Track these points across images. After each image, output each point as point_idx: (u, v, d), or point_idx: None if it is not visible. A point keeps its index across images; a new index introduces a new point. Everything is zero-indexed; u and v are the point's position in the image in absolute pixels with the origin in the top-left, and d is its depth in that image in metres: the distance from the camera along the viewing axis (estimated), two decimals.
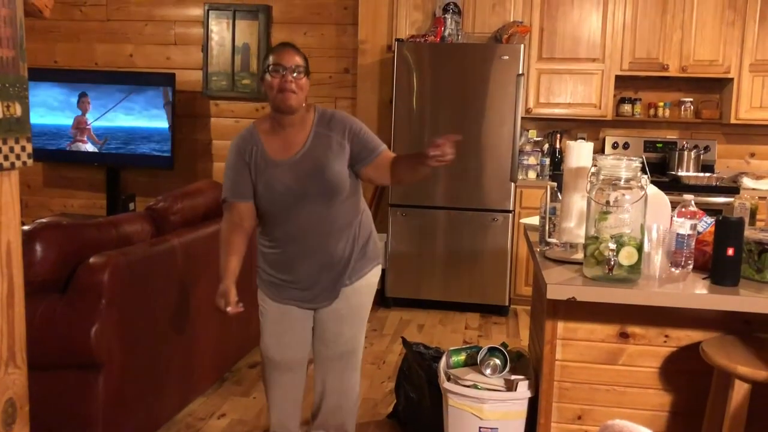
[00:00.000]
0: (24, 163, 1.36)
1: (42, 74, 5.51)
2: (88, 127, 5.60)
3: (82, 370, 2.44)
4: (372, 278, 2.45)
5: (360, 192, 2.44)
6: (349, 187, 2.34)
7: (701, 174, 4.84)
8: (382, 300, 4.91)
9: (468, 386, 2.45)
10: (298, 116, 2.30)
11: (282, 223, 2.32)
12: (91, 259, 2.48)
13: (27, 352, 1.36)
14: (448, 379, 2.51)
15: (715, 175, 4.82)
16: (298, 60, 2.25)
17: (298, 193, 2.27)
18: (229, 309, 2.26)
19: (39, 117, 5.57)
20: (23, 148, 1.36)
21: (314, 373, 2.51)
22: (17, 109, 1.34)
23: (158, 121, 5.48)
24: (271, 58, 2.25)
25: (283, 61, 2.23)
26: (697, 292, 2.06)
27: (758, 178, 4.79)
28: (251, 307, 3.59)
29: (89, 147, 5.62)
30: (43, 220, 2.60)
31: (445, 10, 4.79)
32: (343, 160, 2.30)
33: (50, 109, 5.61)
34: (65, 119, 5.63)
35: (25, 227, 2.47)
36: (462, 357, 2.64)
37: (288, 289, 2.39)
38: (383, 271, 4.89)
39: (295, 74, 2.23)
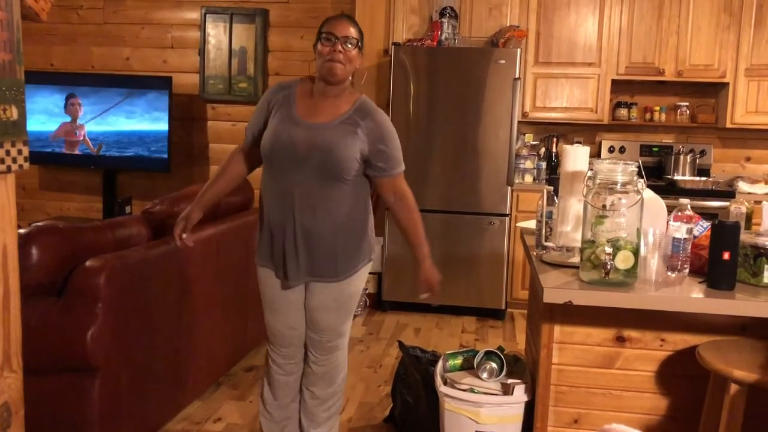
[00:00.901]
0: (20, 166, 1.36)
1: (38, 77, 5.51)
2: (78, 137, 5.59)
3: (77, 374, 2.43)
4: (363, 274, 2.48)
5: (365, 191, 2.41)
6: (353, 180, 2.32)
7: (697, 178, 4.85)
8: (379, 303, 4.91)
9: (464, 390, 2.45)
10: (339, 89, 2.32)
11: (275, 178, 2.33)
12: (88, 263, 2.47)
13: (22, 356, 1.35)
14: (445, 383, 2.51)
15: (711, 179, 4.84)
16: (351, 31, 2.27)
17: (298, 156, 2.26)
18: (178, 235, 2.37)
19: (40, 124, 5.56)
20: (20, 152, 1.36)
21: (304, 361, 2.55)
22: (14, 113, 1.34)
23: (155, 124, 5.47)
24: (325, 27, 2.28)
25: (335, 30, 2.24)
26: (694, 296, 2.06)
27: (754, 182, 4.81)
28: (246, 311, 3.59)
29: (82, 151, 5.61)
30: (40, 223, 2.59)
31: (442, 14, 4.80)
32: (356, 152, 2.27)
33: (51, 115, 5.60)
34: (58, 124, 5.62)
35: (21, 230, 2.46)
36: (459, 361, 2.65)
37: (271, 255, 2.39)
38: (379, 275, 4.89)
39: (346, 45, 2.24)
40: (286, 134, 2.27)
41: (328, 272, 2.37)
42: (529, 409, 2.40)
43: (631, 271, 2.07)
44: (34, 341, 2.29)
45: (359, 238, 2.42)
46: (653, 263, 2.16)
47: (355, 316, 4.65)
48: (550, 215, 2.46)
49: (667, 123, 5.09)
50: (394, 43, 4.79)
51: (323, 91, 2.32)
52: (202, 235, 3.14)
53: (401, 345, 3.04)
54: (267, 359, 2.58)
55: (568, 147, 2.37)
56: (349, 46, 2.25)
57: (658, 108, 5.07)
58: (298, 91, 2.36)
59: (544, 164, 5.04)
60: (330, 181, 2.28)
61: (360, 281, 2.48)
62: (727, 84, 4.82)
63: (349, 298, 2.46)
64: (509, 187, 4.66)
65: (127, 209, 5.54)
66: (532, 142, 5.11)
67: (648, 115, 5.10)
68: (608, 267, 2.03)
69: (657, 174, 4.99)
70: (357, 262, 2.42)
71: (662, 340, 2.28)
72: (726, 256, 2.05)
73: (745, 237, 2.16)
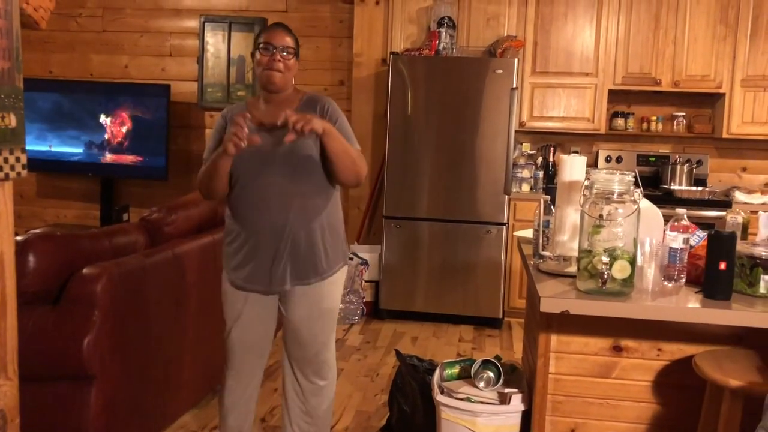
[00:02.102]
0: (18, 174, 1.36)
1: (37, 85, 5.51)
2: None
3: (74, 381, 2.42)
4: (340, 276, 2.49)
5: (334, 190, 2.44)
6: (321, 173, 2.35)
7: (694, 188, 4.86)
8: (376, 312, 4.90)
9: (461, 399, 2.44)
10: (284, 96, 2.39)
11: (245, 188, 2.34)
12: (84, 270, 2.47)
13: (18, 364, 1.35)
14: (442, 392, 2.50)
15: (707, 189, 4.85)
16: (287, 41, 2.34)
17: (265, 157, 2.31)
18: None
19: (38, 131, 5.56)
20: (18, 159, 1.36)
21: (285, 379, 2.54)
22: (12, 120, 1.34)
23: (153, 132, 5.48)
24: (262, 37, 2.35)
25: (272, 40, 2.32)
26: (690, 306, 2.06)
27: (750, 192, 4.83)
28: None
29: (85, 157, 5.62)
30: (37, 230, 2.59)
31: (440, 24, 4.82)
32: (316, 141, 2.30)
33: (49, 122, 5.61)
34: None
35: (18, 238, 2.46)
36: (456, 370, 2.64)
37: (247, 266, 2.37)
38: (377, 283, 4.89)
39: (283, 54, 2.31)
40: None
41: (310, 272, 2.38)
42: (526, 418, 2.40)
43: (628, 281, 2.07)
44: (30, 349, 2.28)
45: (336, 236, 2.46)
46: (650, 273, 2.16)
47: (352, 325, 4.67)
48: (547, 224, 2.46)
49: (663, 133, 5.11)
50: (393, 53, 4.81)
51: (269, 99, 2.40)
52: (199, 243, 3.14)
53: (398, 354, 3.04)
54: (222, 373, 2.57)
55: (565, 156, 2.38)
56: (287, 54, 2.33)
57: (654, 118, 5.09)
58: (249, 105, 2.45)
59: (541, 173, 5.06)
60: (300, 176, 2.33)
61: (338, 286, 2.49)
62: (724, 94, 4.84)
63: (329, 308, 2.47)
64: (507, 196, 4.67)
65: (125, 217, 5.54)
66: (529, 152, 5.12)
67: (645, 125, 5.12)
68: (605, 276, 2.03)
69: (654, 184, 5.00)
70: (336, 262, 2.45)
71: (659, 349, 2.28)
72: (722, 266, 2.05)
73: (741, 247, 2.16)
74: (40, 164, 5.61)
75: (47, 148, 5.64)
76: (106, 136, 5.57)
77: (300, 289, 2.40)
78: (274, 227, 2.33)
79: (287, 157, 2.32)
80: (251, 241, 2.36)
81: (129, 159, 5.54)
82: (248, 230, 2.36)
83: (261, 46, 2.32)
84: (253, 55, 2.37)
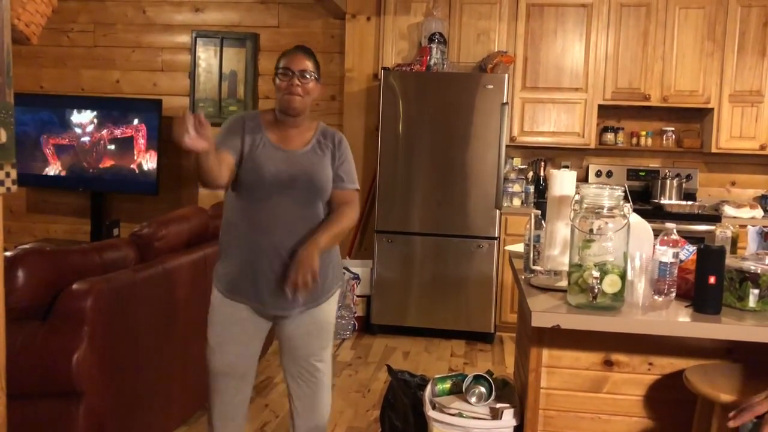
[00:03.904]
0: (8, 189, 1.36)
1: (28, 100, 5.50)
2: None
3: (62, 398, 2.40)
4: (335, 300, 2.50)
5: None
6: (323, 203, 2.40)
7: (683, 202, 4.90)
8: (367, 327, 4.89)
9: (453, 414, 2.43)
10: (301, 120, 2.38)
11: (257, 209, 2.31)
12: (74, 286, 2.45)
13: (7, 380, 1.34)
14: (434, 408, 2.49)
15: (697, 203, 4.88)
16: (307, 64, 2.33)
17: (284, 182, 2.30)
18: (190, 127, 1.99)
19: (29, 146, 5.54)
20: (8, 174, 1.36)
21: (289, 394, 2.52)
22: (2, 135, 1.34)
23: (144, 147, 5.47)
24: (282, 62, 2.33)
25: (291, 65, 2.31)
26: (680, 320, 2.07)
27: (739, 206, 4.86)
28: None
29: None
30: (26, 245, 2.58)
31: (431, 40, 4.85)
32: (330, 171, 2.39)
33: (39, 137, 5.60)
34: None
35: (8, 253, 2.44)
36: (447, 385, 2.63)
37: (245, 286, 2.34)
38: (368, 298, 4.88)
39: (303, 78, 2.30)
40: (271, 162, 2.30)
41: (311, 297, 2.36)
42: None
43: (618, 295, 2.07)
44: (18, 365, 2.26)
45: (337, 260, 2.50)
46: (640, 287, 2.17)
47: (343, 340, 4.65)
48: (537, 239, 2.47)
49: (653, 148, 5.15)
50: (384, 68, 4.83)
51: (286, 122, 2.38)
52: (189, 258, 3.13)
53: (390, 369, 3.02)
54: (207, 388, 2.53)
55: (555, 171, 2.39)
56: (306, 78, 2.32)
57: (644, 133, 5.13)
58: (263, 121, 2.39)
59: (532, 188, 5.08)
60: (310, 203, 2.34)
61: (334, 306, 2.51)
62: (712, 109, 4.89)
63: (327, 322, 2.47)
64: (498, 211, 4.68)
65: (115, 232, 5.52)
66: (520, 166, 5.15)
67: (634, 140, 5.16)
68: (595, 291, 2.04)
69: (644, 198, 5.03)
70: (334, 283, 2.47)
71: (650, 364, 2.28)
72: (712, 280, 2.06)
73: (730, 261, 2.17)
74: (30, 179, 5.58)
75: None
76: (97, 151, 5.56)
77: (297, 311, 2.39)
78: (279, 251, 2.30)
79: (305, 185, 2.32)
80: (248, 259, 2.33)
81: (119, 174, 5.52)
82: (250, 249, 2.32)
83: (280, 71, 2.31)
84: (274, 80, 2.35)
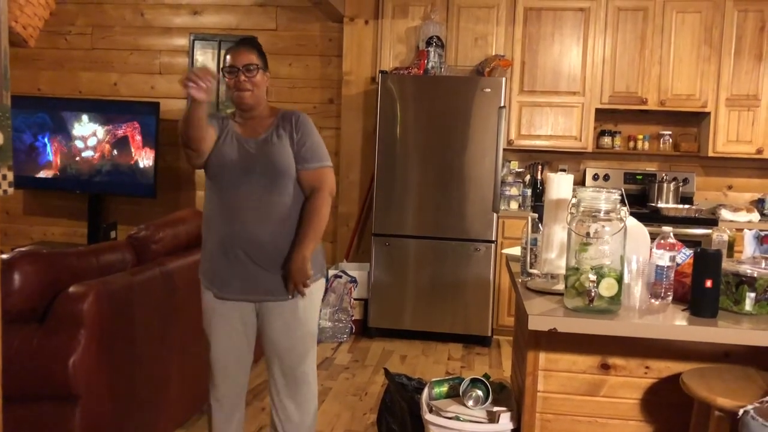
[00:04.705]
0: (5, 191, 1.36)
1: (25, 102, 5.50)
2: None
3: (58, 401, 2.39)
4: (315, 290, 2.48)
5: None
6: (296, 185, 2.41)
7: (680, 206, 4.90)
8: (365, 330, 4.89)
9: (450, 418, 2.43)
10: (260, 111, 2.44)
11: (226, 199, 2.38)
12: (71, 289, 2.45)
13: (3, 383, 1.34)
14: (431, 411, 2.49)
15: (693, 207, 4.89)
16: (250, 57, 2.37)
17: (245, 169, 2.36)
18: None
19: (26, 148, 5.54)
20: (4, 177, 1.36)
21: (271, 393, 2.53)
22: None
23: (142, 149, 5.47)
24: (226, 59, 2.39)
25: (235, 62, 2.36)
26: (677, 324, 2.07)
27: (736, 210, 4.86)
28: None
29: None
30: (23, 248, 2.57)
31: (429, 44, 4.86)
32: (290, 152, 2.40)
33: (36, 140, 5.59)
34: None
35: (4, 256, 2.44)
36: (444, 388, 2.63)
37: (224, 276, 2.40)
38: (366, 301, 4.88)
39: (248, 72, 2.35)
40: (231, 151, 2.39)
41: (281, 287, 2.38)
42: None
43: (615, 299, 2.08)
44: (15, 368, 2.26)
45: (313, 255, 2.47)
46: (637, 290, 2.17)
47: (340, 343, 4.65)
48: (534, 242, 2.47)
49: (650, 151, 5.16)
50: (382, 71, 4.84)
51: (245, 117, 2.45)
52: (187, 261, 3.13)
53: (387, 372, 3.03)
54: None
55: (552, 175, 2.39)
56: (252, 72, 2.36)
57: (641, 136, 5.14)
58: (230, 119, 2.49)
59: (529, 191, 5.08)
60: (275, 187, 2.37)
61: (314, 297, 2.48)
62: (709, 113, 4.90)
63: (305, 316, 2.46)
64: (495, 214, 4.69)
65: (113, 234, 5.51)
66: (517, 169, 5.15)
67: (631, 144, 5.17)
68: (592, 294, 2.04)
69: (641, 202, 5.04)
70: (314, 275, 2.45)
71: (647, 367, 2.28)
72: (708, 283, 2.06)
73: (727, 265, 2.18)
74: (27, 181, 5.58)
75: None
76: (95, 153, 5.55)
77: (271, 303, 2.42)
78: (250, 237, 2.35)
79: (265, 168, 2.36)
80: (224, 248, 2.39)
81: (117, 176, 5.52)
82: (222, 238, 2.39)
83: (226, 69, 2.37)
84: (224, 77, 2.41)
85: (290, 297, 2.38)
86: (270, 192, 2.37)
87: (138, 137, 5.49)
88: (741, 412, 1.78)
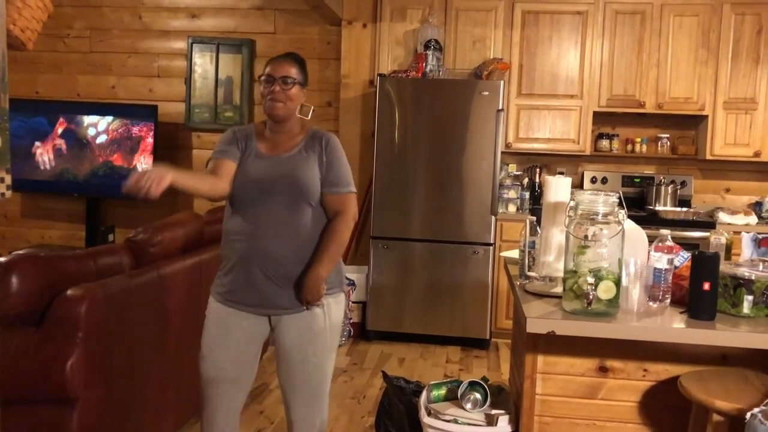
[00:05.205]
0: (2, 194, 1.36)
1: (23, 105, 5.49)
2: None
3: (56, 405, 2.38)
4: (335, 303, 2.42)
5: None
6: (316, 207, 2.36)
7: (678, 209, 4.91)
8: (363, 333, 4.88)
9: (448, 421, 2.43)
10: (290, 126, 2.41)
11: (246, 216, 2.34)
12: (69, 292, 2.44)
13: (0, 386, 1.33)
14: (429, 414, 2.49)
15: (691, 209, 4.90)
16: (289, 71, 2.36)
17: (267, 187, 2.32)
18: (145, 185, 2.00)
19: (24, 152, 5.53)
20: (2, 180, 1.36)
21: (284, 404, 2.48)
22: None
23: (140, 153, 5.47)
24: (266, 68, 2.38)
25: (273, 72, 2.35)
26: (675, 327, 2.07)
27: (733, 213, 4.87)
28: None
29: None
30: (21, 251, 2.57)
31: (427, 47, 4.86)
32: (316, 173, 2.37)
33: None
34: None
35: (2, 259, 2.43)
36: (443, 391, 2.63)
37: (241, 293, 2.35)
38: (364, 304, 4.88)
39: (284, 84, 2.33)
40: (253, 169, 2.35)
41: (294, 302, 2.35)
42: None
43: (613, 302, 2.08)
44: (12, 371, 2.26)
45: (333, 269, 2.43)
46: (635, 293, 2.17)
47: (340, 345, 4.64)
48: (533, 245, 2.47)
49: (648, 154, 5.17)
50: (380, 74, 4.84)
51: (274, 129, 2.42)
52: (185, 264, 3.13)
53: (385, 375, 3.02)
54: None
55: (550, 178, 2.40)
56: (288, 84, 2.34)
57: (639, 139, 5.15)
58: (255, 127, 2.47)
59: (527, 194, 5.09)
60: (297, 206, 2.33)
61: (332, 311, 2.42)
62: (706, 116, 4.91)
63: (324, 329, 2.40)
64: (493, 217, 4.69)
65: (110, 237, 5.50)
66: (515, 172, 5.16)
67: (629, 147, 5.17)
68: (590, 297, 2.04)
69: (639, 204, 5.04)
70: (328, 287, 2.39)
71: (645, 370, 2.29)
72: (706, 286, 2.06)
73: (724, 268, 2.18)
74: (25, 184, 5.57)
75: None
76: (93, 156, 5.55)
77: (286, 317, 2.37)
78: (269, 255, 2.31)
79: (287, 188, 2.32)
80: (243, 265, 2.34)
81: (115, 179, 5.51)
82: (242, 256, 2.34)
83: (263, 78, 2.35)
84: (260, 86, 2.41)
85: (306, 308, 2.34)
86: (291, 211, 2.33)
87: (136, 140, 5.48)
88: (748, 416, 1.77)
